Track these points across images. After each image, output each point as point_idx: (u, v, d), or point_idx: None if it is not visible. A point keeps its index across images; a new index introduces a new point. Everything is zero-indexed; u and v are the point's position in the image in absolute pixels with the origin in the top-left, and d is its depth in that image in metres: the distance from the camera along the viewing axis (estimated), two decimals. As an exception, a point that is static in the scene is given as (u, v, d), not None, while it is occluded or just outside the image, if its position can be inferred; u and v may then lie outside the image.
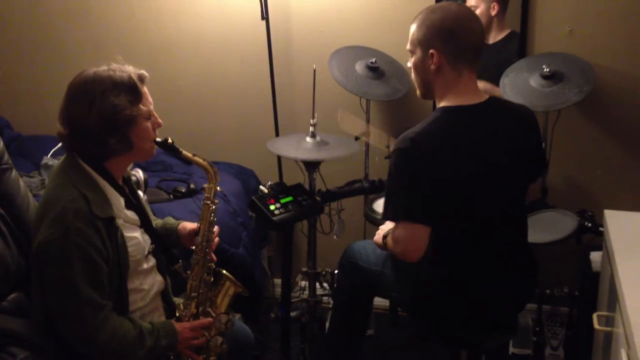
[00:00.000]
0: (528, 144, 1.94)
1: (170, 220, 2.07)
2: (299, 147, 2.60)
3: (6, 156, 2.00)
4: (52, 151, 2.95)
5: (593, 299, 2.38)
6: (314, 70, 2.58)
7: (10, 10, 3.38)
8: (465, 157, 1.83)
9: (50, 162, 2.87)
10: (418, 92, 1.98)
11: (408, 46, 1.92)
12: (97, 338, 1.63)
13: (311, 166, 2.63)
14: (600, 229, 2.38)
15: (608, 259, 2.02)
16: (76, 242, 1.60)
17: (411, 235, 1.83)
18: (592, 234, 2.53)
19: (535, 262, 2.05)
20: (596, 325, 1.89)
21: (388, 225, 2.03)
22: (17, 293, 1.92)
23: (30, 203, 2.02)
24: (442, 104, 1.90)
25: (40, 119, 3.35)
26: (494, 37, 2.87)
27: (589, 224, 2.52)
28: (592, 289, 2.41)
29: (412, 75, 1.96)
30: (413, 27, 1.89)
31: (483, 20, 2.76)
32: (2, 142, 2.01)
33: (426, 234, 1.83)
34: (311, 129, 2.60)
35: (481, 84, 1.93)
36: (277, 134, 3.09)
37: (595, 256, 2.48)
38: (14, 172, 2.02)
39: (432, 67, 1.85)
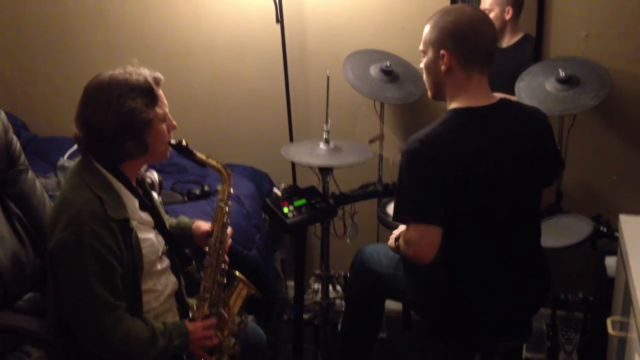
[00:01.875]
0: (540, 145, 1.93)
1: (184, 219, 2.08)
2: (313, 153, 2.60)
3: (23, 157, 2.03)
4: (68, 152, 2.98)
5: (608, 304, 2.36)
6: (328, 77, 2.58)
7: (27, 13, 3.41)
8: (475, 158, 1.82)
9: (67, 164, 2.89)
10: (429, 93, 1.98)
11: (421, 46, 1.93)
12: (110, 338, 1.65)
13: (325, 170, 2.63)
14: (616, 233, 2.36)
15: (623, 264, 2.01)
16: (90, 244, 1.62)
17: (423, 237, 1.82)
18: (607, 239, 2.51)
19: (548, 266, 2.04)
20: (610, 331, 1.88)
21: (400, 229, 2.03)
22: (32, 293, 1.94)
23: (46, 204, 2.04)
24: (452, 105, 1.90)
25: (56, 121, 3.39)
26: (508, 41, 2.86)
27: (604, 229, 2.50)
28: (607, 294, 2.39)
29: (424, 75, 1.96)
30: (427, 28, 1.90)
31: (497, 24, 2.75)
32: (19, 144, 2.03)
33: (438, 234, 1.82)
34: (325, 135, 2.61)
35: (497, 95, 1.94)
36: (291, 138, 3.09)
37: (610, 261, 2.47)
38: (31, 173, 2.04)
39: (443, 68, 1.86)
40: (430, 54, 1.89)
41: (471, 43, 1.83)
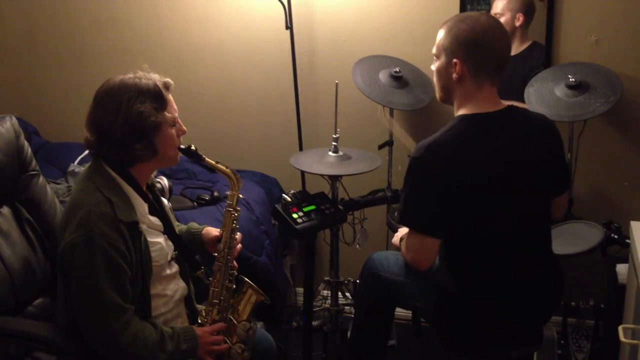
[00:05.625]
0: (547, 153, 1.92)
1: (194, 224, 2.08)
2: (322, 161, 2.60)
3: (34, 163, 2.04)
4: (79, 158, 3.00)
5: (619, 311, 2.34)
6: (336, 85, 2.58)
7: (38, 20, 3.44)
8: (482, 164, 1.82)
9: (77, 169, 2.91)
10: (437, 95, 1.98)
11: (434, 50, 1.92)
12: (119, 341, 1.65)
13: (334, 176, 2.63)
14: (627, 240, 2.34)
15: (634, 271, 1.99)
16: (100, 246, 1.62)
17: (422, 246, 1.88)
18: (618, 246, 2.49)
19: (561, 273, 2.02)
20: (622, 338, 1.86)
21: (405, 229, 2.03)
22: (42, 298, 1.95)
23: (57, 209, 2.05)
24: (460, 112, 1.90)
25: (67, 127, 3.41)
26: (517, 48, 2.84)
27: (615, 236, 2.48)
28: (619, 301, 2.37)
29: (434, 78, 1.96)
30: (441, 33, 1.89)
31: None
32: (30, 149, 2.04)
33: (436, 246, 1.87)
34: (333, 143, 2.61)
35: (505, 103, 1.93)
36: (300, 144, 3.10)
37: (622, 268, 2.44)
38: (42, 179, 2.05)
39: (454, 76, 1.86)
40: (442, 59, 1.89)
41: (483, 54, 1.82)
